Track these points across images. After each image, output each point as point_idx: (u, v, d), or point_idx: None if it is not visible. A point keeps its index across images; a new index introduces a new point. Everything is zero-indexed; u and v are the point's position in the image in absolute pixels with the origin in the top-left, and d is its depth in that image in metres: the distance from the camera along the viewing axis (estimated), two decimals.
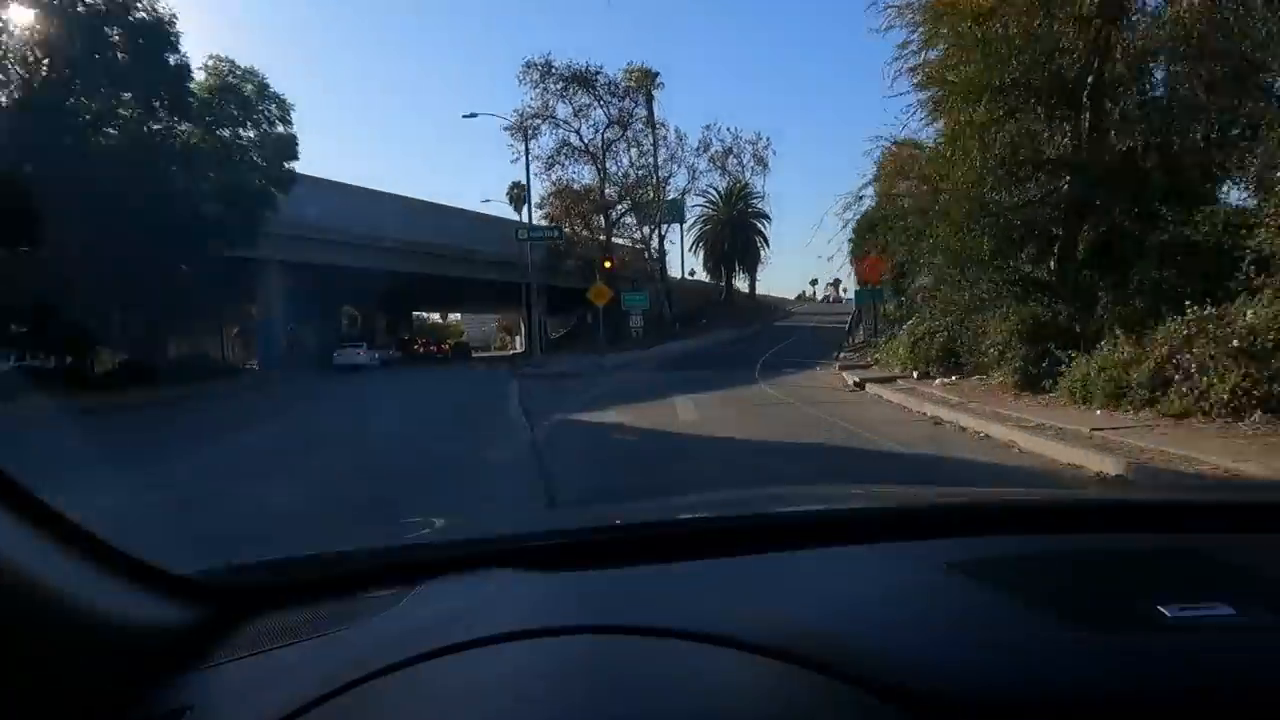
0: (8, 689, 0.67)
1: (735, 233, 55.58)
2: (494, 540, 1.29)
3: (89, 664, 0.76)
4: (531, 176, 38.69)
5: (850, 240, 26.79)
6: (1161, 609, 0.83)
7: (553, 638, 0.83)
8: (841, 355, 26.51)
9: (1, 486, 0.72)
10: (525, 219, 32.38)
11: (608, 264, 34.08)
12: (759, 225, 57.92)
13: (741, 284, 61.78)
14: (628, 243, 46.34)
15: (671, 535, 1.27)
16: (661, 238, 47.67)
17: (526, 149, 36.66)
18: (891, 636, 0.83)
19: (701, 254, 57.90)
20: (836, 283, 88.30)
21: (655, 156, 44.87)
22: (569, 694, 0.74)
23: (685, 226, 58.59)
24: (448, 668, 0.76)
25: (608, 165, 41.67)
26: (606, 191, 42.40)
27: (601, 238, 42.47)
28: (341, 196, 34.61)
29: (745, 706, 0.72)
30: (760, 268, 60.50)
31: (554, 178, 40.87)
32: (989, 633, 0.85)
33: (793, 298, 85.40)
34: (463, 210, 46.82)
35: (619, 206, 44.04)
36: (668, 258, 49.51)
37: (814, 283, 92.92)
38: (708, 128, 46.75)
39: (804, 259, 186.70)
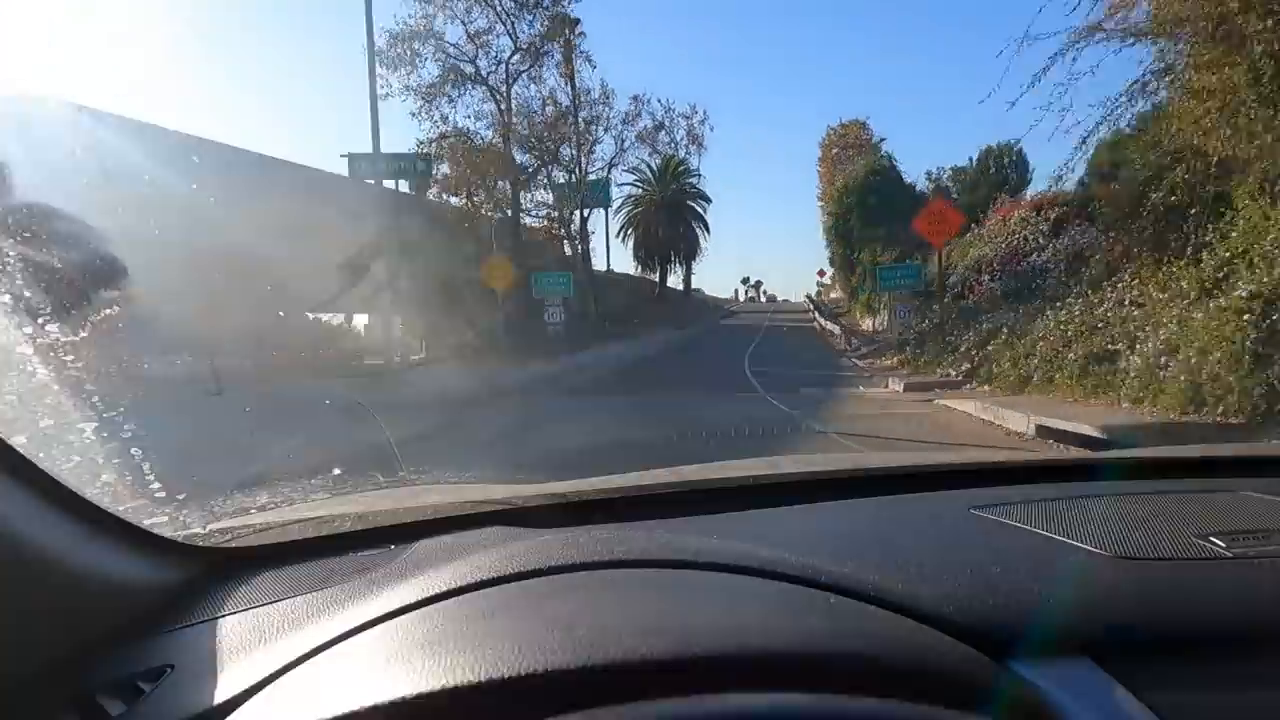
0: None
1: (670, 217, 46.42)
2: (486, 502, 1.18)
3: (68, 620, 0.76)
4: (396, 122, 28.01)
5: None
6: (1215, 540, 0.86)
7: (567, 574, 0.81)
8: (863, 362, 19.88)
9: None
10: (377, 170, 20.51)
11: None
12: (698, 208, 49.04)
13: (676, 280, 52.96)
14: (540, 224, 36.76)
15: (687, 494, 1.23)
16: (584, 218, 38.13)
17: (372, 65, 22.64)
18: (928, 573, 0.82)
19: (631, 242, 48.53)
20: (758, 284, 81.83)
21: (575, 116, 35.28)
22: (579, 612, 0.72)
23: (611, 210, 49.73)
24: (450, 608, 0.75)
25: (514, 123, 31.42)
26: (517, 155, 32.37)
27: (508, 212, 32.33)
28: None
29: (800, 626, 0.71)
30: (699, 258, 51.54)
31: (439, 117, 29.70)
32: (1035, 566, 0.84)
33: (726, 297, 77.19)
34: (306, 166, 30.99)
35: (540, 174, 34.16)
36: (591, 246, 39.90)
37: (745, 281, 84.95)
38: (636, 99, 37.19)
39: (734, 259, 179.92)
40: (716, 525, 1.03)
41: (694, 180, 48.16)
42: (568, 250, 36.74)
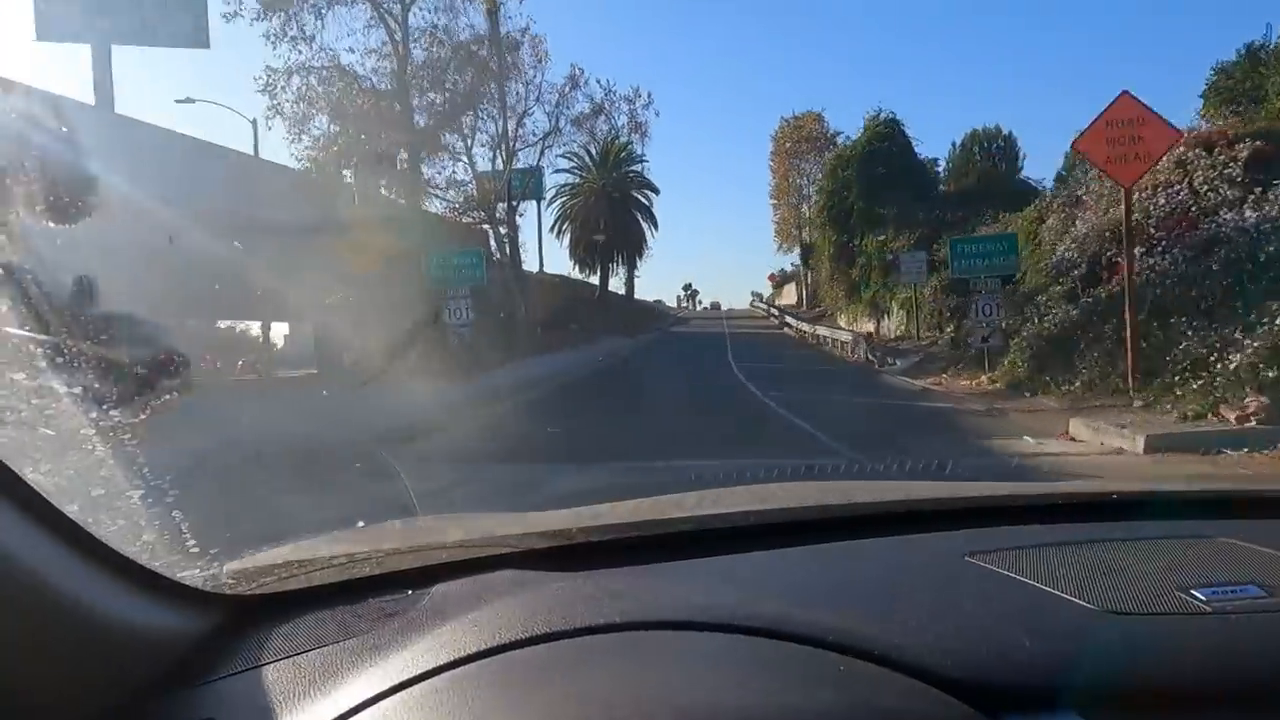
0: (19, 696, 0.68)
1: (613, 208, 39.75)
2: (505, 540, 1.20)
3: (106, 672, 0.76)
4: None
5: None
6: (1195, 593, 0.88)
7: (588, 636, 0.84)
8: (925, 382, 14.14)
9: (20, 497, 0.71)
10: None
11: None
12: (644, 199, 42.50)
13: (618, 283, 46.44)
14: (454, 212, 29.76)
15: (690, 533, 1.22)
16: (512, 206, 31.27)
17: None
18: (926, 625, 0.84)
19: (567, 238, 41.64)
20: (694, 293, 75.95)
21: (500, 87, 28.43)
22: (615, 688, 0.77)
23: (545, 204, 42.89)
24: (482, 671, 0.77)
25: (415, 71, 24.14)
26: (420, 119, 25.18)
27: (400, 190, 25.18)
28: None
29: (787, 693, 0.75)
30: (645, 259, 45.05)
31: (300, 36, 21.51)
32: (1026, 619, 0.87)
33: (669, 304, 70.59)
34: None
35: (450, 141, 27.09)
36: (521, 242, 33.06)
37: (687, 288, 78.77)
38: (575, 70, 30.38)
39: (672, 264, 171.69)
40: (720, 568, 1.06)
41: (639, 167, 41.81)
42: (493, 245, 29.80)
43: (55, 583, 0.71)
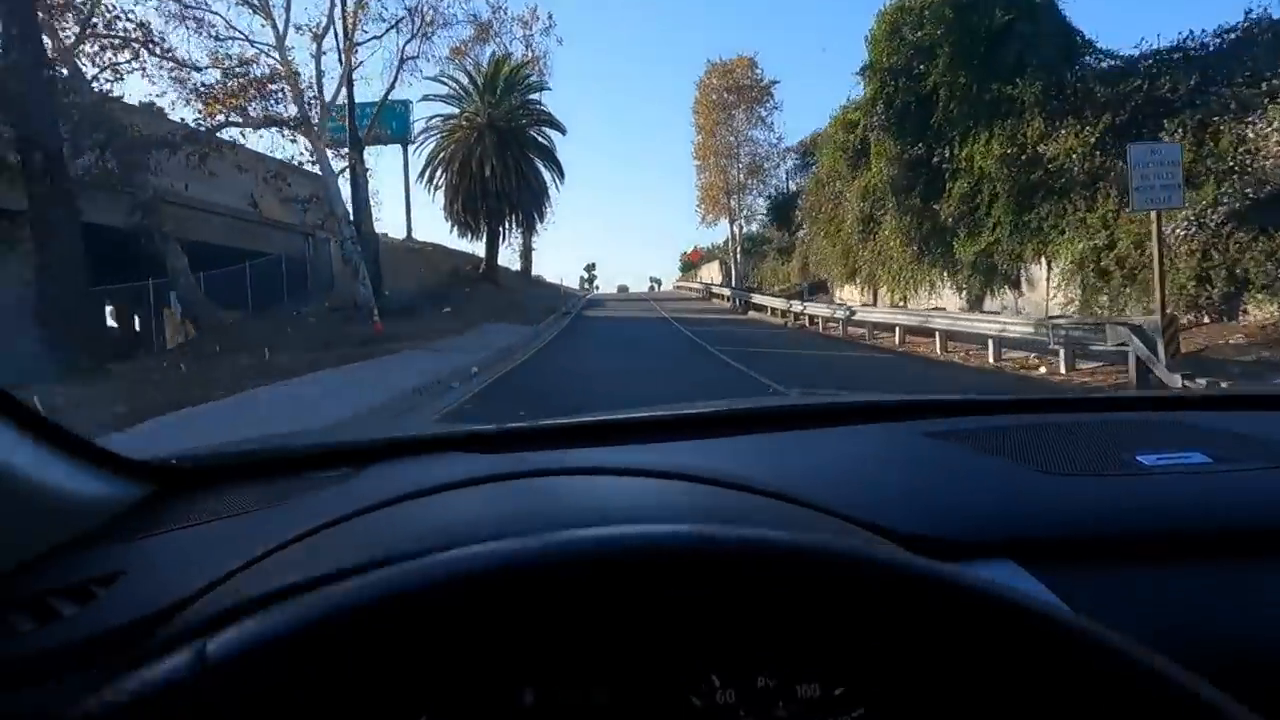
0: None
1: (503, 150, 29.31)
2: (445, 434, 1.17)
3: (19, 526, 0.77)
4: None
5: None
6: (1141, 458, 0.91)
7: (514, 480, 0.83)
8: None
9: None
10: None
11: None
12: (545, 140, 32.29)
13: (511, 255, 36.14)
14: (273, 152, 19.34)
15: (640, 425, 1.22)
16: (357, 140, 20.98)
17: None
18: (867, 486, 0.88)
19: (441, 191, 30.89)
20: (593, 276, 65.27)
21: None
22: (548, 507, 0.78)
23: (414, 146, 32.00)
24: (394, 515, 0.77)
25: None
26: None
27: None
28: None
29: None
30: (547, 223, 34.83)
31: None
32: (969, 481, 0.91)
33: (572, 286, 60.17)
34: None
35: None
36: (375, 197, 23.37)
37: (590, 268, 68.61)
38: None
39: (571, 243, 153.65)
40: (664, 449, 1.05)
41: (539, 98, 31.60)
42: (341, 195, 19.25)
43: None
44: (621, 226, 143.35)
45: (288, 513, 0.86)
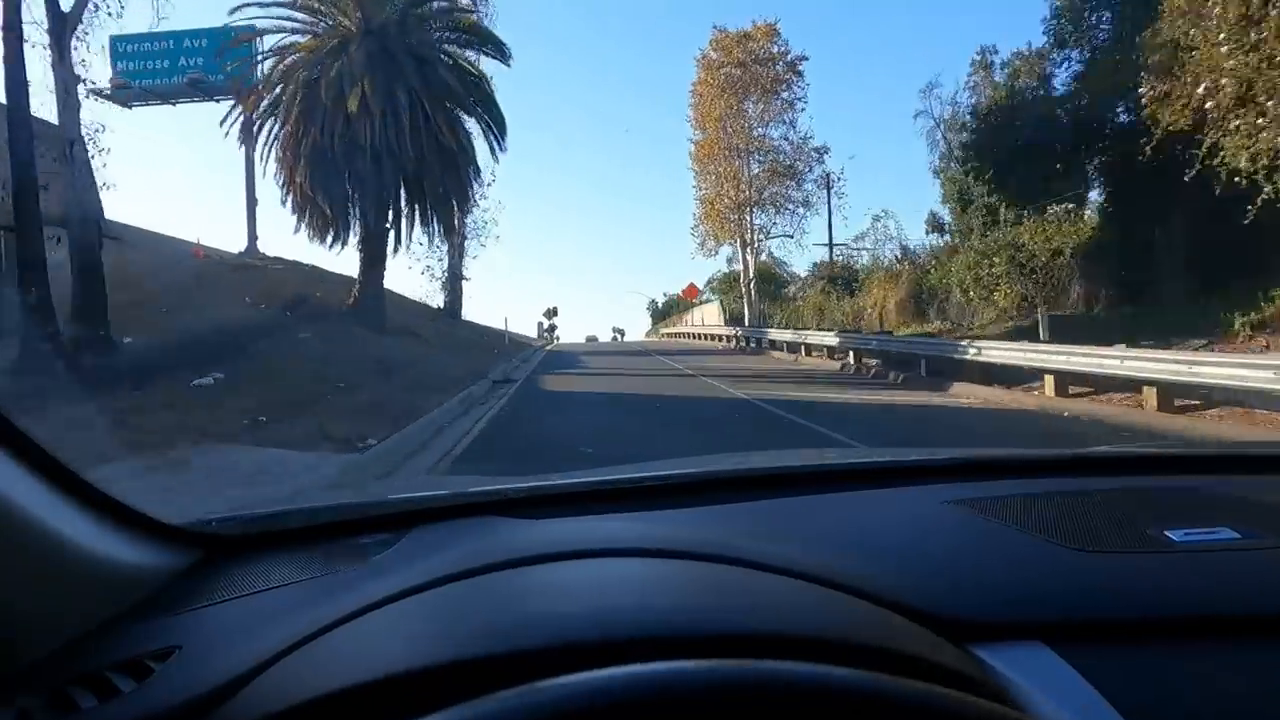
0: None
1: (390, 80, 15.65)
2: (483, 494, 1.21)
3: (77, 602, 0.78)
4: None
5: None
6: (1168, 534, 0.89)
7: (554, 562, 0.84)
8: None
9: (5, 432, 0.74)
10: None
11: None
12: (473, 72, 18.25)
13: (430, 287, 23.10)
14: None
15: (668, 487, 1.24)
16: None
17: None
18: (895, 560, 0.86)
19: (274, 153, 16.95)
20: (553, 324, 50.09)
21: None
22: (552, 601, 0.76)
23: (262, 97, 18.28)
24: (448, 594, 0.78)
25: None
26: None
27: None
28: None
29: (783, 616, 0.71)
30: (483, 229, 22.10)
31: None
32: (996, 557, 0.88)
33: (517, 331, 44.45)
34: None
35: None
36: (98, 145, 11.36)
37: (550, 314, 54.01)
38: None
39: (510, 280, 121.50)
40: (696, 516, 1.06)
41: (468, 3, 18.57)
42: None
43: (29, 514, 0.73)
44: (575, 270, 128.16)
45: (332, 587, 0.86)
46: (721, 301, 39.95)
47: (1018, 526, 0.95)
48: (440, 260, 29.03)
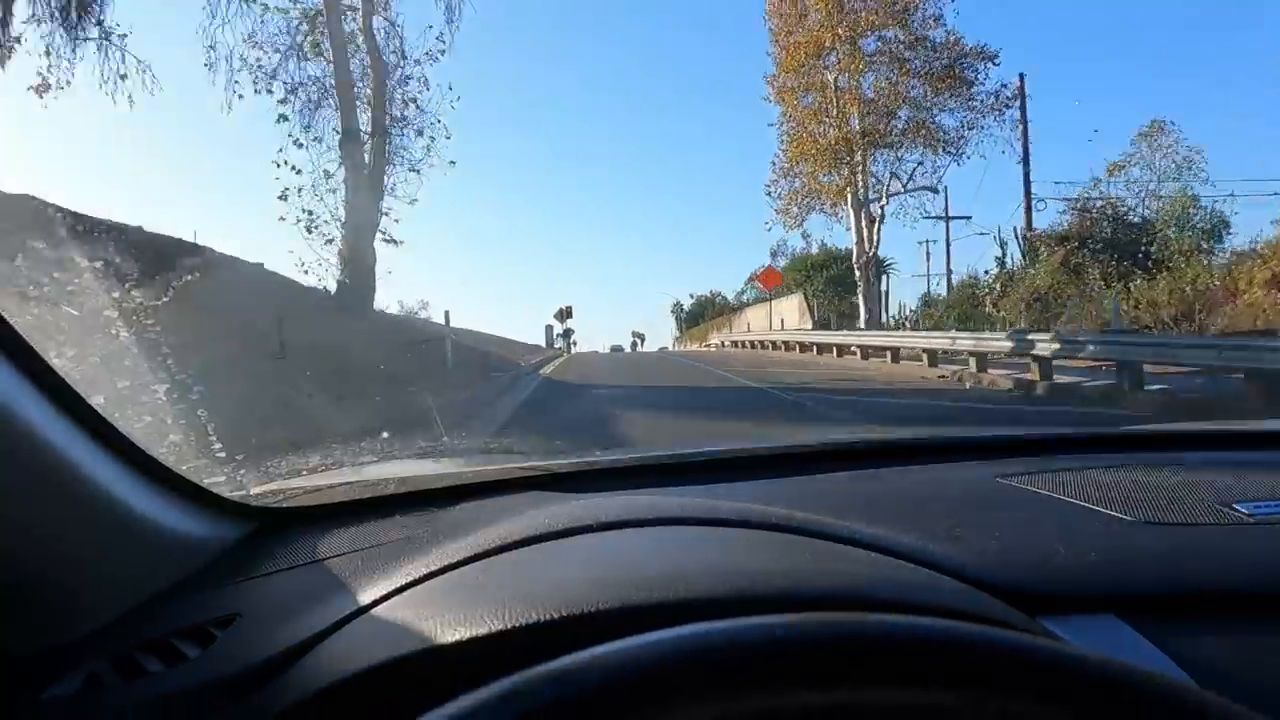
0: (47, 588, 0.71)
1: None
2: (531, 468, 1.22)
3: (141, 571, 0.80)
4: None
5: None
6: (1239, 507, 0.88)
7: (605, 531, 0.83)
8: None
9: (72, 404, 0.73)
10: None
11: None
12: None
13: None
14: None
15: (723, 462, 1.24)
16: None
17: None
18: (960, 533, 0.84)
19: None
20: (569, 328, 38.56)
21: None
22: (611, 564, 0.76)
23: None
24: (511, 561, 0.78)
25: None
26: None
27: None
28: None
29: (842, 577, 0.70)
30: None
31: None
32: (1061, 529, 0.86)
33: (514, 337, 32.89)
34: None
35: None
36: None
37: (562, 316, 41.88)
38: None
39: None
40: (748, 490, 1.06)
41: None
42: None
43: (87, 480, 0.73)
44: (586, 270, 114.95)
45: (382, 558, 0.86)
46: (805, 291, 29.08)
47: (1080, 500, 0.94)
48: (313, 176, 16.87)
